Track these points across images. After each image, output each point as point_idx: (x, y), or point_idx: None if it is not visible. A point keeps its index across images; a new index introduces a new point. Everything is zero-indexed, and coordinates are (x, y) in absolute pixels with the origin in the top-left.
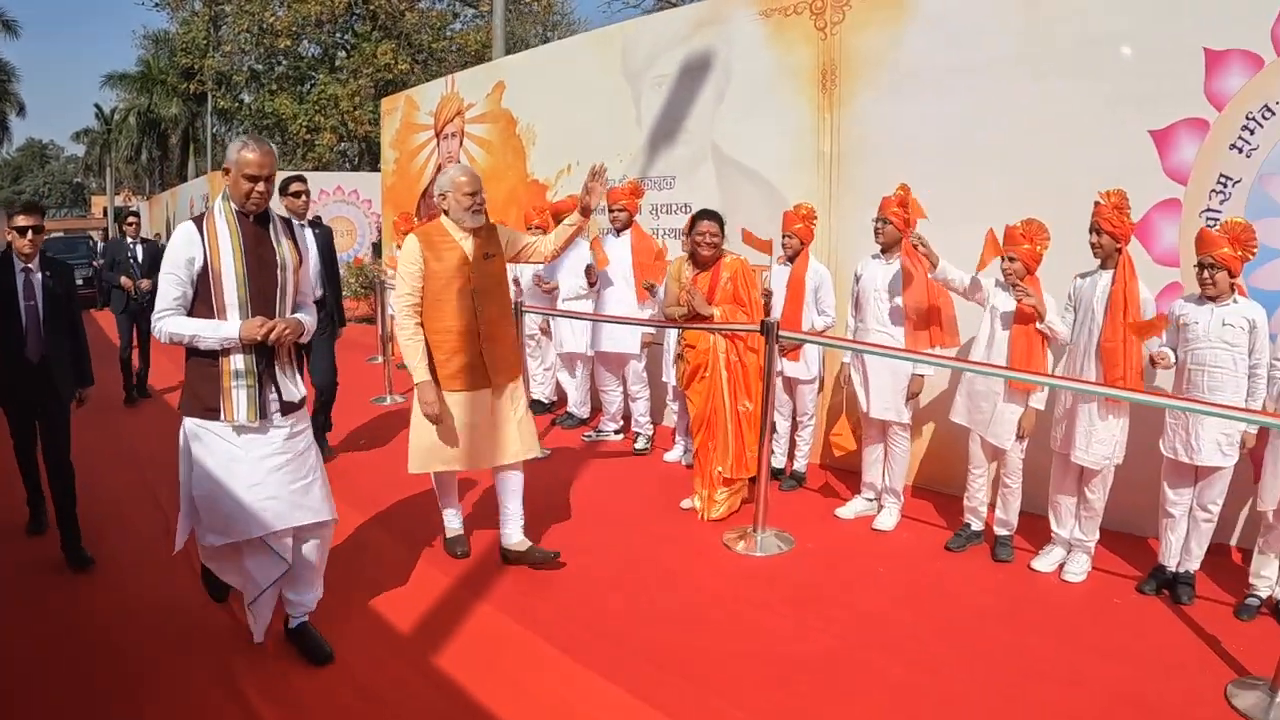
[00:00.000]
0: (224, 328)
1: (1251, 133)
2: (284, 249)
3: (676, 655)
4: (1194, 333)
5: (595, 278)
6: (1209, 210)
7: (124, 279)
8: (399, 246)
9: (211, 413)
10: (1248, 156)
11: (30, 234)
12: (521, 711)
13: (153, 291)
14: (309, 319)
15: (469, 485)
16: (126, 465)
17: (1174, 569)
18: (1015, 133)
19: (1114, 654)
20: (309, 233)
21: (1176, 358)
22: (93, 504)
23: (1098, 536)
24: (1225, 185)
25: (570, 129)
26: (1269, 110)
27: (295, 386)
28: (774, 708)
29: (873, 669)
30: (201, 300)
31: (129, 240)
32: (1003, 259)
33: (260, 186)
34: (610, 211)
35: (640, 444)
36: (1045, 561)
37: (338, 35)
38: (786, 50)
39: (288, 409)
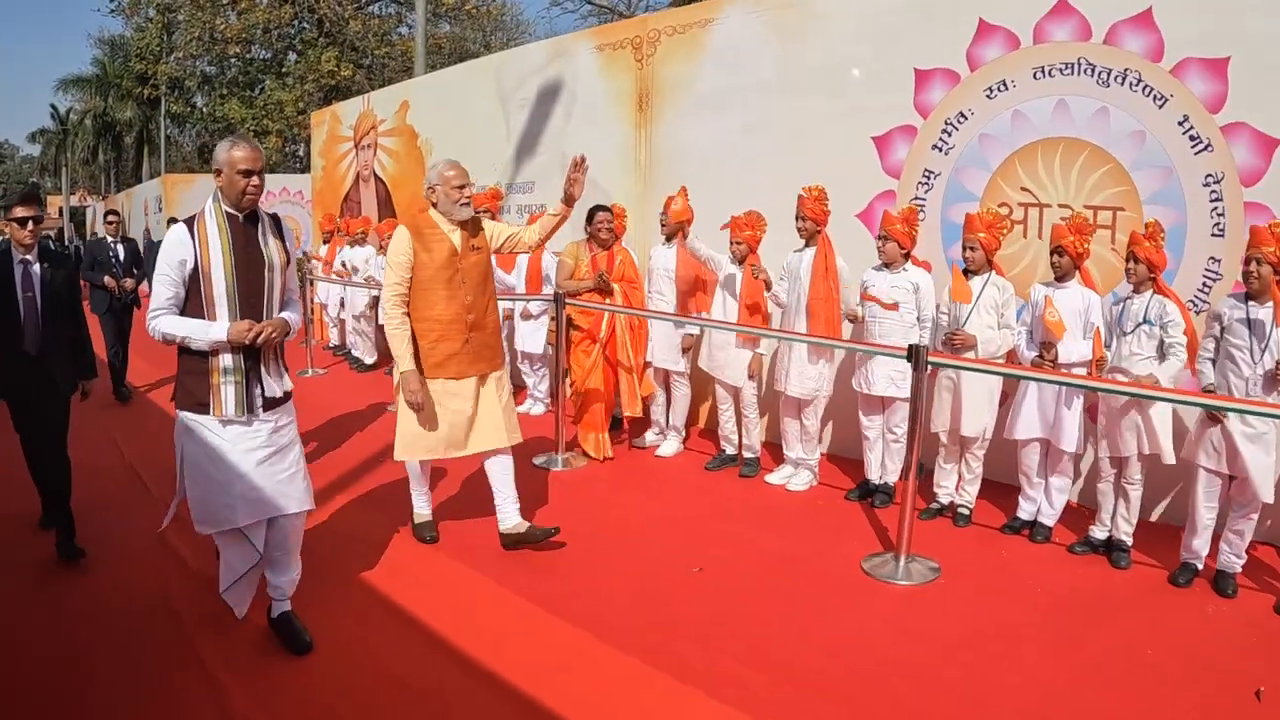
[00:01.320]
0: (213, 330)
1: (949, 135)
2: (271, 249)
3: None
4: (874, 291)
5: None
6: (917, 198)
7: (107, 278)
8: (325, 243)
9: (201, 407)
10: (945, 154)
11: (30, 224)
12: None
13: (135, 290)
14: (295, 317)
15: (438, 474)
16: (118, 459)
17: (876, 480)
18: (776, 140)
19: (793, 533)
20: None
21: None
22: (85, 497)
23: (818, 456)
24: (929, 178)
25: (458, 142)
26: (963, 116)
27: (279, 383)
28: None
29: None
30: (192, 299)
31: (110, 239)
32: (732, 243)
33: (254, 180)
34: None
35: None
36: (777, 476)
37: (285, 42)
38: (614, 78)
39: (272, 404)
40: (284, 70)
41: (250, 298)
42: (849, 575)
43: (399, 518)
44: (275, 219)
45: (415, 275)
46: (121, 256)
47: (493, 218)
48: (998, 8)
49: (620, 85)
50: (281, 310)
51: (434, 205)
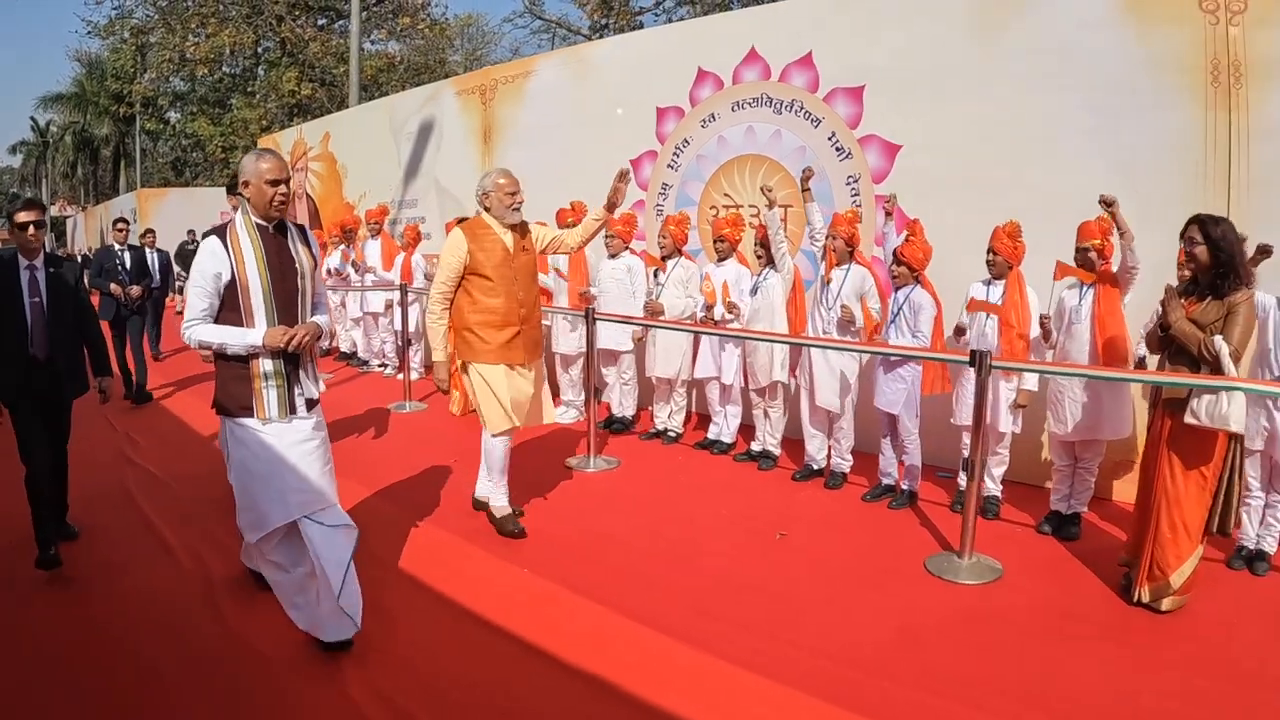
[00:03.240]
0: (250, 335)
1: (678, 156)
2: (301, 256)
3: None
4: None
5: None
6: (658, 205)
7: (114, 285)
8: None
9: (246, 410)
10: (676, 171)
11: (32, 229)
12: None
13: (142, 297)
14: (325, 320)
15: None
16: (127, 462)
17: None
18: (573, 166)
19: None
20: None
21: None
22: (89, 503)
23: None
24: (665, 190)
25: (365, 167)
26: (686, 142)
27: (315, 385)
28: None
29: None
30: (229, 308)
31: (117, 247)
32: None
33: (283, 189)
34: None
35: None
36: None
37: (252, 61)
38: (469, 117)
39: (310, 404)
40: (249, 89)
41: (286, 304)
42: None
43: (419, 512)
44: (301, 228)
45: (474, 272)
46: (129, 264)
47: (378, 232)
48: (709, 58)
49: (471, 123)
50: (313, 314)
51: (487, 209)
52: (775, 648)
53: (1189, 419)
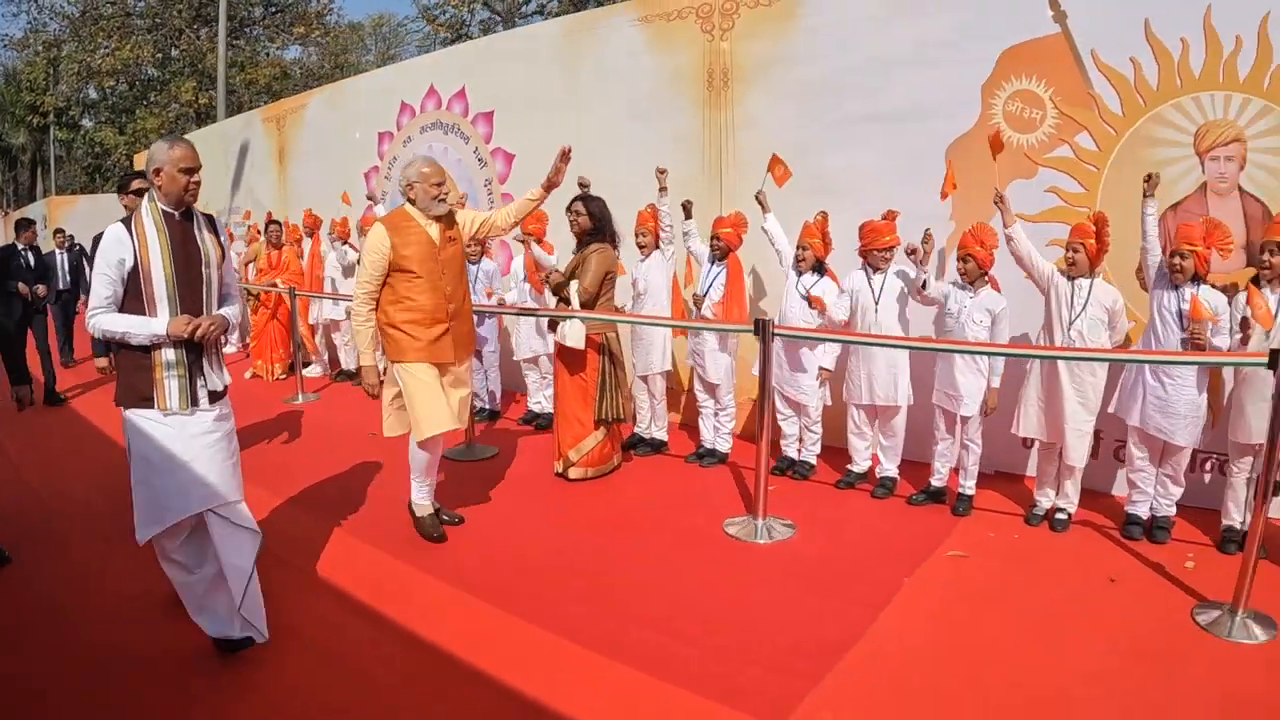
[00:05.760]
0: (153, 324)
1: (390, 170)
2: (207, 244)
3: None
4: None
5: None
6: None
7: (20, 285)
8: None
9: (145, 401)
10: (390, 181)
11: None
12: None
13: (47, 297)
14: (233, 311)
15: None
16: (48, 468)
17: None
18: (335, 181)
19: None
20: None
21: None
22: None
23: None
24: (384, 198)
25: (214, 181)
26: (394, 159)
27: (220, 376)
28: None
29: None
30: (132, 296)
31: (20, 246)
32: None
33: (195, 178)
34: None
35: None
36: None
37: (157, 72)
38: (269, 141)
39: (214, 397)
40: (150, 99)
41: (190, 293)
42: None
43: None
44: (209, 217)
45: (398, 268)
46: (32, 263)
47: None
48: (408, 93)
49: (271, 145)
50: (221, 305)
51: (411, 201)
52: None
53: (558, 339)
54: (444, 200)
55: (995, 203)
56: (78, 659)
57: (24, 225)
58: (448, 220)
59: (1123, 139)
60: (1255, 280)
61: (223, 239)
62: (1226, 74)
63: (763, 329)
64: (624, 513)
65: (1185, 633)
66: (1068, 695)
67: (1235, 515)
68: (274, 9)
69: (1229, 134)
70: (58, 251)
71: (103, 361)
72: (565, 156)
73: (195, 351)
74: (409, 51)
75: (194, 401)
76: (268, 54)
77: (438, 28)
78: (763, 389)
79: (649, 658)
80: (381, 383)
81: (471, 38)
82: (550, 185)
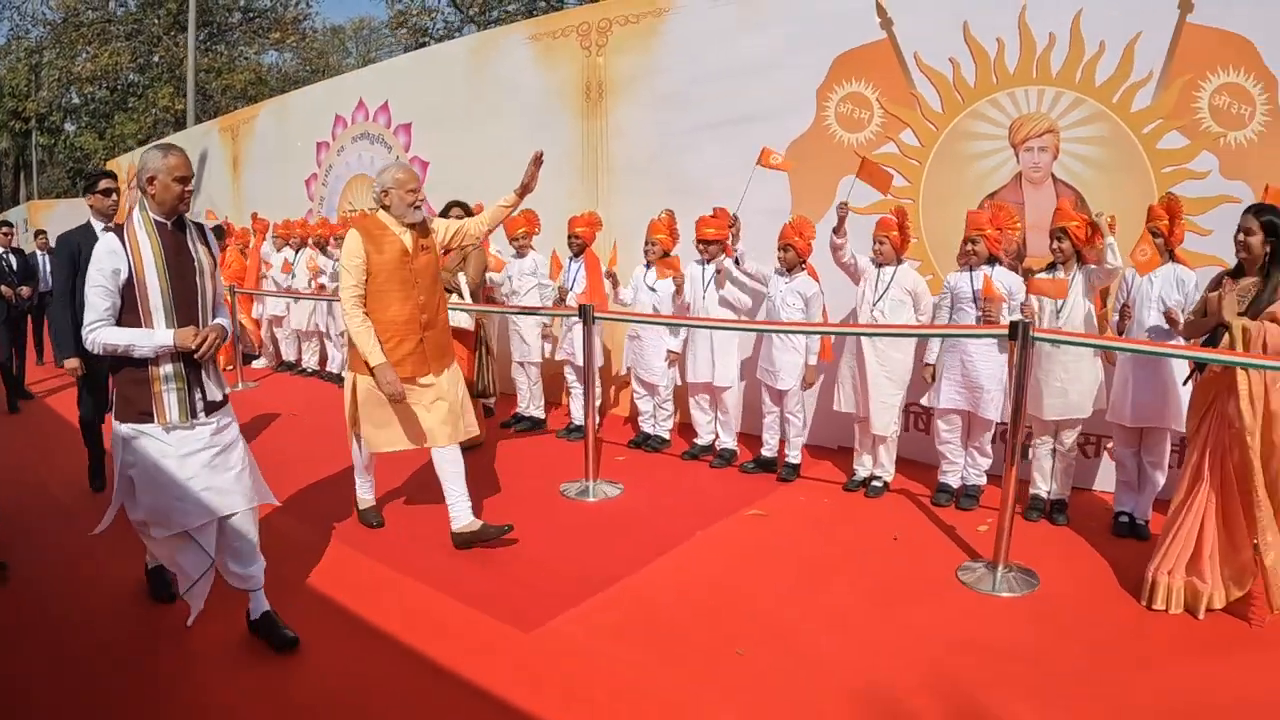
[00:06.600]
0: (157, 336)
1: (327, 175)
2: (200, 254)
3: None
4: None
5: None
6: (320, 212)
7: (4, 288)
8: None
9: (145, 416)
10: (325, 187)
11: None
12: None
13: (32, 298)
14: (226, 322)
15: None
16: (25, 471)
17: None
18: (277, 188)
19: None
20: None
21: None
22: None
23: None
24: (322, 201)
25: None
26: (329, 167)
27: (218, 386)
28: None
29: None
30: (127, 309)
31: (1, 249)
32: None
33: (189, 186)
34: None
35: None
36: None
37: (138, 78)
38: (225, 149)
39: (212, 408)
40: (129, 105)
41: (185, 304)
42: None
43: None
44: (200, 226)
45: (370, 277)
46: (15, 265)
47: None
48: (341, 106)
49: (226, 154)
50: (214, 316)
51: (386, 208)
52: None
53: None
54: (419, 207)
55: (838, 209)
56: (64, 658)
57: (3, 227)
58: (422, 229)
59: (943, 134)
60: (1051, 265)
61: (214, 248)
62: (1040, 69)
63: (584, 314)
64: (484, 476)
65: (939, 583)
66: (797, 628)
67: (1041, 485)
68: (251, 15)
69: (1042, 126)
70: (39, 253)
71: (73, 362)
72: (538, 161)
73: (194, 364)
74: (389, 55)
75: (193, 414)
76: (245, 59)
77: (402, 36)
78: (587, 371)
79: (446, 580)
80: (394, 380)
81: (437, 41)
82: (524, 190)
